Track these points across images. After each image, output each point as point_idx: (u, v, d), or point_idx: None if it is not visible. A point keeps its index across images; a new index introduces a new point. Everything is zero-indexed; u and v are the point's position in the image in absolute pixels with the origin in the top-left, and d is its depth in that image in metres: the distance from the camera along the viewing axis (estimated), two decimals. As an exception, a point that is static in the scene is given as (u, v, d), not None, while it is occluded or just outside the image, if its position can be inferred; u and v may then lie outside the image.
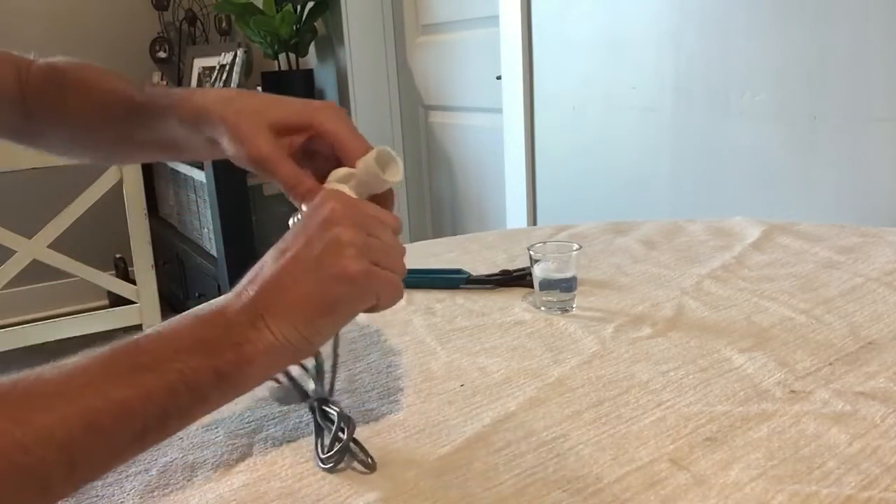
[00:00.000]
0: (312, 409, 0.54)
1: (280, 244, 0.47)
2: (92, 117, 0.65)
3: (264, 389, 0.58)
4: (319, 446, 0.50)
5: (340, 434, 0.49)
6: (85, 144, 0.68)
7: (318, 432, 0.51)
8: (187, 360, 0.41)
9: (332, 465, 0.48)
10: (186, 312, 0.44)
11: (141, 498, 0.45)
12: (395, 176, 0.51)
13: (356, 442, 0.49)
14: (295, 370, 0.56)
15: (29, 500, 0.36)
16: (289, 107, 0.55)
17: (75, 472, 0.37)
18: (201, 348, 0.42)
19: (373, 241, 0.47)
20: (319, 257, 0.45)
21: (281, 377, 0.56)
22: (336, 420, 0.50)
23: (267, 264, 0.46)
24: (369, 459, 0.48)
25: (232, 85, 2.59)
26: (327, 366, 0.56)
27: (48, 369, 0.39)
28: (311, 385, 0.56)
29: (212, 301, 0.46)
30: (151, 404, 0.39)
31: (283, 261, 0.45)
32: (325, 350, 0.55)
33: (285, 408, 0.56)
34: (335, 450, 0.48)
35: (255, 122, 0.54)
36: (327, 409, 0.53)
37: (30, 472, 0.35)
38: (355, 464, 0.48)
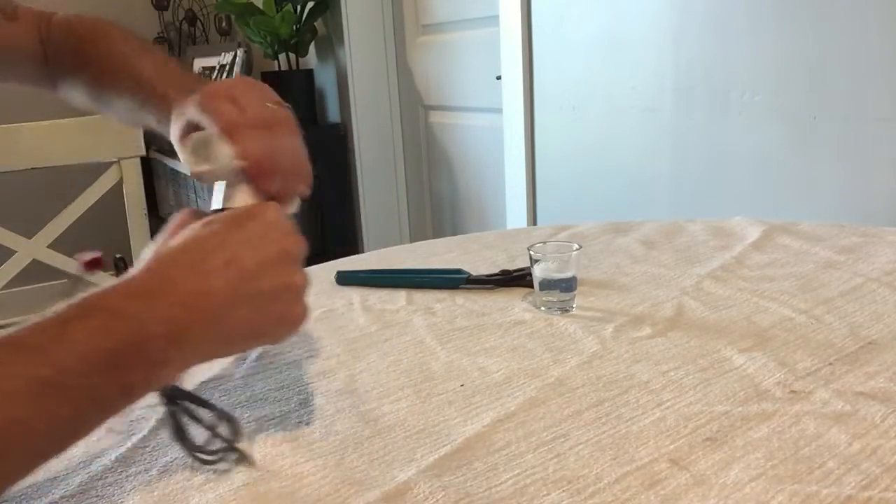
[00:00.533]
0: (164, 397, 0.49)
1: (212, 237, 0.45)
2: (104, 80, 0.65)
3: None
4: (189, 442, 0.48)
5: (218, 430, 0.48)
6: (100, 100, 0.68)
7: (180, 432, 0.48)
8: (95, 376, 0.38)
9: (216, 459, 0.47)
10: (84, 299, 0.40)
11: (141, 497, 0.45)
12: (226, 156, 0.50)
13: (233, 443, 0.48)
14: None
15: None
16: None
17: None
18: (112, 364, 0.38)
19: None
20: (272, 293, 0.45)
21: None
22: (215, 411, 0.48)
23: (195, 263, 0.43)
24: (246, 457, 0.48)
25: (232, 85, 2.59)
26: None
27: None
28: None
29: (113, 286, 0.41)
30: (54, 424, 0.37)
31: (226, 276, 0.43)
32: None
33: (286, 407, 0.56)
34: (224, 447, 0.48)
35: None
36: (187, 399, 0.49)
37: None
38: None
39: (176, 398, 0.49)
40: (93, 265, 0.51)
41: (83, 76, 0.67)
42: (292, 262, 0.47)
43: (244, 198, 0.50)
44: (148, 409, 0.56)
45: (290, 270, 0.46)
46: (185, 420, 0.48)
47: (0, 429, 0.35)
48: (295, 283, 0.46)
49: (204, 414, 0.49)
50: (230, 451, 0.48)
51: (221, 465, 0.47)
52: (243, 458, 0.48)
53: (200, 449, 0.48)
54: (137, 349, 0.40)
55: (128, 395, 0.40)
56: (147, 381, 0.41)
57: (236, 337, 0.44)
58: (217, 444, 0.48)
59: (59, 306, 0.39)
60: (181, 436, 0.48)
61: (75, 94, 0.69)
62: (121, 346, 0.39)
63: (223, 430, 0.49)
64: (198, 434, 0.49)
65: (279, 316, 0.46)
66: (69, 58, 0.67)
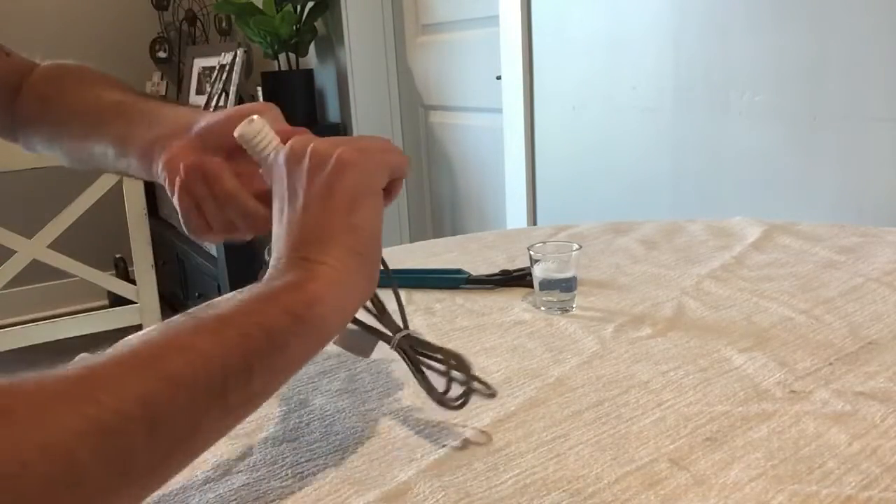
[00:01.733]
0: (401, 349, 0.51)
1: (276, 203, 0.47)
2: (82, 116, 0.65)
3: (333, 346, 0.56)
4: (429, 387, 0.49)
5: (455, 372, 0.49)
6: (67, 143, 0.67)
7: (419, 372, 0.50)
8: (255, 309, 0.39)
9: (460, 404, 0.48)
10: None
11: (141, 498, 0.45)
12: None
13: (476, 378, 0.49)
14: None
15: (112, 473, 0.32)
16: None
17: (156, 430, 0.33)
18: (265, 298, 0.40)
19: (356, 141, 0.47)
20: (323, 180, 0.45)
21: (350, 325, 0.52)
22: (444, 358, 0.49)
23: (281, 216, 0.45)
24: (489, 388, 0.49)
25: (232, 85, 2.59)
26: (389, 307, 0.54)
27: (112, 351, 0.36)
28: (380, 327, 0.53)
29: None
30: (229, 353, 0.37)
31: (294, 206, 0.45)
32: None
33: (285, 407, 0.56)
34: (462, 391, 0.48)
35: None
36: (416, 345, 0.51)
37: (109, 431, 0.31)
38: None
39: (414, 349, 0.51)
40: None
41: (48, 126, 0.66)
42: (314, 150, 0.46)
43: None
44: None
45: (315, 152, 0.46)
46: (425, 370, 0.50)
47: (172, 359, 0.35)
48: (318, 150, 0.46)
49: (434, 359, 0.50)
50: (470, 391, 0.49)
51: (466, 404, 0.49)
52: (486, 392, 0.49)
53: (444, 396, 0.49)
54: (274, 283, 0.42)
55: (298, 324, 0.40)
56: (304, 300, 0.41)
57: (341, 215, 0.44)
58: (456, 388, 0.49)
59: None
60: (429, 387, 0.49)
61: (36, 142, 0.69)
62: (260, 289, 0.41)
63: (456, 372, 0.49)
64: (437, 381, 0.50)
65: (337, 169, 0.45)
66: (37, 106, 0.67)
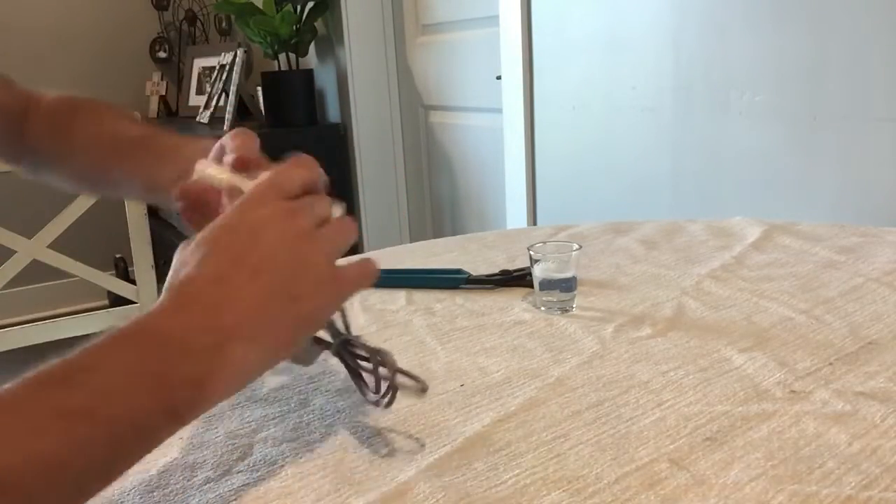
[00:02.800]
0: (338, 354, 0.52)
1: (225, 245, 0.42)
2: (99, 146, 0.66)
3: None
4: (365, 387, 0.50)
5: (383, 369, 0.49)
6: (89, 174, 0.69)
7: (355, 374, 0.50)
8: (135, 398, 0.35)
9: (388, 402, 0.49)
10: (111, 332, 0.37)
11: (141, 498, 0.45)
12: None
13: (402, 371, 0.50)
14: None
15: None
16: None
17: None
18: (152, 387, 0.36)
19: (323, 231, 0.44)
20: (288, 275, 0.41)
21: None
22: (370, 356, 0.49)
23: (223, 271, 0.40)
24: (418, 382, 0.49)
25: (232, 85, 2.59)
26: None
27: None
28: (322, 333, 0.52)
29: (143, 316, 0.39)
30: (91, 457, 0.34)
31: (254, 277, 0.40)
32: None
33: (285, 407, 0.56)
34: (387, 388, 0.49)
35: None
36: (353, 349, 0.52)
37: None
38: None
39: (347, 348, 0.51)
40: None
41: (73, 160, 0.68)
42: (306, 236, 0.43)
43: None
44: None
45: (297, 246, 0.42)
46: (352, 362, 0.50)
47: (30, 467, 0.32)
48: (309, 257, 0.42)
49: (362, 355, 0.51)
50: (394, 388, 0.49)
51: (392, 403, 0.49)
52: (416, 387, 0.49)
53: (377, 396, 0.49)
54: (176, 363, 0.37)
55: (174, 421, 0.37)
56: (194, 400, 0.38)
57: (280, 328, 0.41)
58: (383, 386, 0.49)
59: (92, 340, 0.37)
60: (362, 390, 0.50)
61: (44, 169, 0.71)
62: (159, 364, 0.36)
63: (383, 369, 0.49)
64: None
65: (308, 282, 0.42)
66: (49, 135, 0.68)
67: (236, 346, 0.38)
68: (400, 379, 0.49)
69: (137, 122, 0.68)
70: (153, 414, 0.36)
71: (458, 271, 0.83)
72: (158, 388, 0.36)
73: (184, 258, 0.42)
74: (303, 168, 0.47)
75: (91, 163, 0.67)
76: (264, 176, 0.47)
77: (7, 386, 0.34)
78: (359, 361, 0.51)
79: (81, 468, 0.34)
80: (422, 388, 0.50)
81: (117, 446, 0.35)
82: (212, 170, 0.53)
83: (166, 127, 0.67)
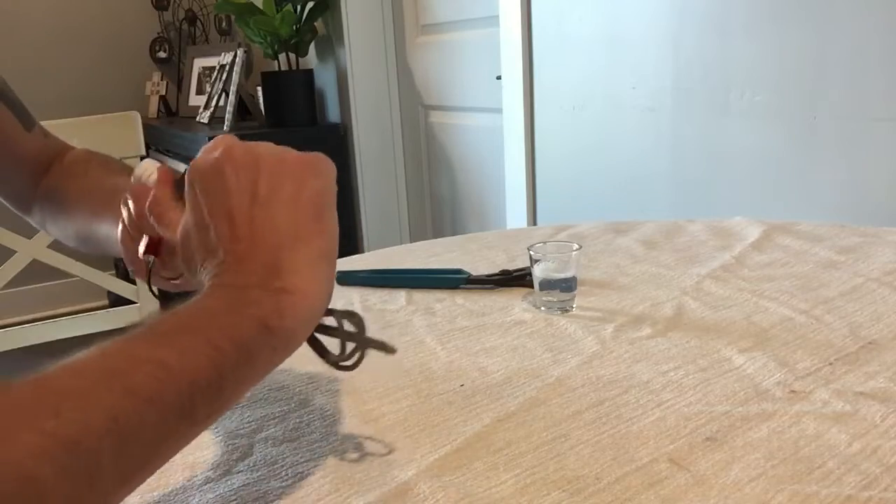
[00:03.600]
0: None
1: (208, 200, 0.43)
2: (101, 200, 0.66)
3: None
4: (322, 351, 0.47)
5: (349, 328, 0.47)
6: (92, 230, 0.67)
7: (312, 338, 0.47)
8: (227, 322, 0.38)
9: (354, 364, 0.46)
10: (185, 303, 0.39)
11: (141, 498, 0.45)
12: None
13: (370, 339, 0.47)
14: None
15: (77, 487, 0.30)
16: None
17: (124, 444, 0.32)
18: (238, 307, 0.38)
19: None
20: (282, 185, 0.43)
21: None
22: (336, 317, 0.47)
23: (235, 219, 0.42)
24: (386, 348, 0.47)
25: (232, 85, 2.59)
26: None
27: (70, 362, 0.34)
28: None
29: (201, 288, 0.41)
30: (196, 362, 0.35)
31: (240, 213, 0.42)
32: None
33: (285, 407, 0.56)
34: (354, 349, 0.46)
35: None
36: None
37: (73, 445, 0.30)
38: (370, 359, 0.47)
39: None
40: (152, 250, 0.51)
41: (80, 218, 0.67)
42: (269, 161, 0.44)
43: None
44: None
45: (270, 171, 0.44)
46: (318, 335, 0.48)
47: (147, 373, 0.34)
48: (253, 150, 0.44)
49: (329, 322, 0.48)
50: (362, 347, 0.47)
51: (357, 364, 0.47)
52: (381, 348, 0.48)
53: (340, 359, 0.47)
54: (249, 292, 0.40)
55: (268, 335, 0.39)
56: (278, 311, 0.39)
57: (305, 222, 0.43)
58: (349, 348, 0.47)
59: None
60: (323, 353, 0.47)
61: (47, 219, 0.70)
62: (233, 295, 0.40)
63: (349, 330, 0.47)
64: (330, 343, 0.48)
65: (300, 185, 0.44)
66: (59, 186, 0.68)
67: (295, 267, 0.41)
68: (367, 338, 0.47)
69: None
70: (245, 325, 0.38)
71: (458, 271, 0.83)
72: (238, 304, 0.39)
73: (222, 191, 0.43)
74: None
75: (86, 215, 0.66)
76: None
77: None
78: (322, 323, 0.48)
79: (191, 377, 0.35)
80: (390, 351, 0.48)
81: (220, 357, 0.36)
82: (152, 168, 0.53)
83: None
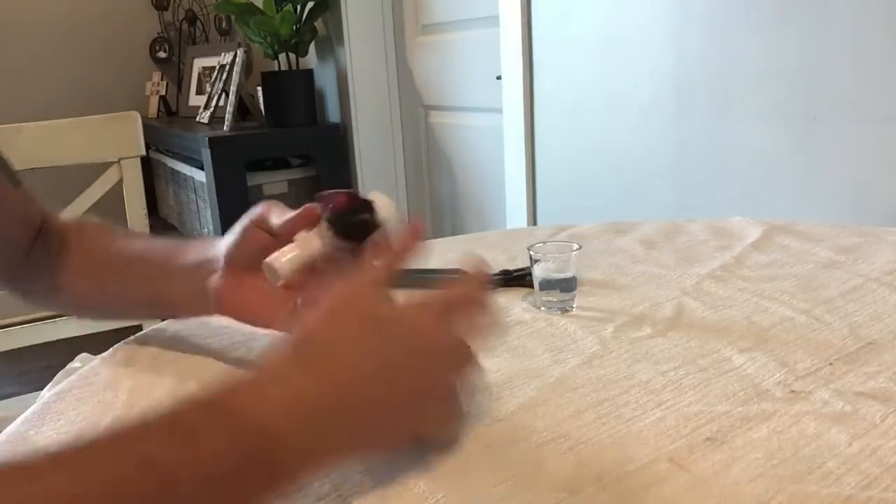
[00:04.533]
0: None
1: (351, 325, 0.43)
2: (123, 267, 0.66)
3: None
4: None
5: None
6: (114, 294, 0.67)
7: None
8: (215, 487, 0.34)
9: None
10: (205, 397, 0.36)
11: (141, 498, 0.45)
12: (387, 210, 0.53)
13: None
14: None
15: None
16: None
17: None
18: (240, 477, 0.35)
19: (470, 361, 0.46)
20: (415, 392, 0.42)
21: None
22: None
23: (342, 368, 0.40)
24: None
25: (232, 85, 2.59)
26: None
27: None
28: None
29: (244, 382, 0.38)
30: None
31: (364, 372, 0.40)
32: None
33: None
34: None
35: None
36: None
37: None
38: None
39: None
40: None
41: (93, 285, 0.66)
42: (442, 355, 0.44)
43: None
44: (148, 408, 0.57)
45: (437, 366, 0.44)
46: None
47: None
48: (444, 383, 0.43)
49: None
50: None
51: None
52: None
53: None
54: (270, 460, 0.36)
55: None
56: (276, 494, 0.37)
57: (377, 438, 0.42)
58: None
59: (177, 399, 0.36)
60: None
61: (57, 304, 0.69)
62: (247, 456, 0.35)
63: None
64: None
65: (423, 414, 0.43)
66: (54, 265, 0.66)
67: (329, 455, 0.40)
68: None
69: (141, 236, 0.67)
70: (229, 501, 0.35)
71: (458, 271, 0.82)
72: (245, 482, 0.35)
73: (339, 333, 0.43)
74: (470, 291, 0.49)
75: (92, 285, 0.65)
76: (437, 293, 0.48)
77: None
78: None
79: None
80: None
81: None
82: (284, 260, 0.54)
83: (182, 243, 0.65)
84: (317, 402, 0.38)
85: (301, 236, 0.55)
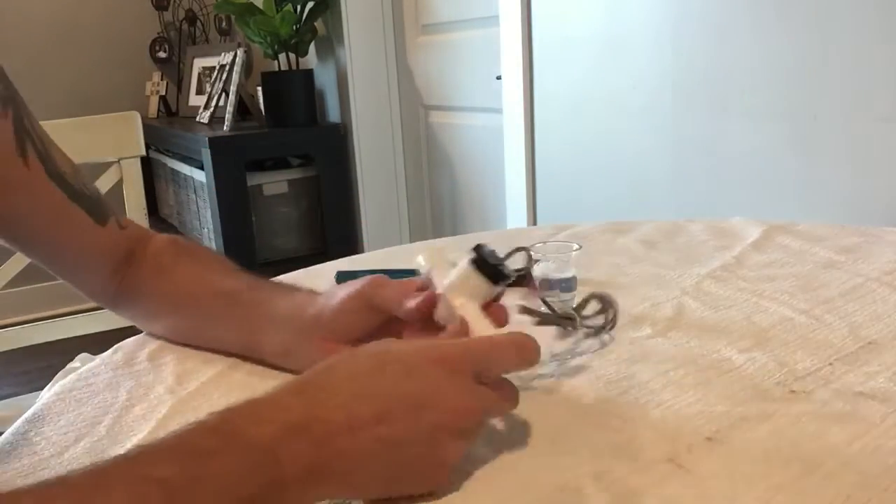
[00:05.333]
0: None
1: (376, 379, 0.42)
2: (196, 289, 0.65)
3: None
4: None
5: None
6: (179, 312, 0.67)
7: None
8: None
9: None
10: (221, 422, 0.39)
11: (141, 498, 0.45)
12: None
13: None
14: None
15: None
16: (345, 307, 0.57)
17: None
18: (247, 489, 0.36)
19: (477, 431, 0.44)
20: (414, 460, 0.41)
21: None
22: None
23: (348, 405, 0.40)
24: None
25: (232, 85, 2.59)
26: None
27: None
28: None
29: (253, 414, 0.40)
30: None
31: (375, 434, 0.40)
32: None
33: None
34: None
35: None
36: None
37: None
38: None
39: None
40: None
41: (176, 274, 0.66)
42: (450, 434, 0.42)
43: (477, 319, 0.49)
44: (148, 408, 0.57)
45: (443, 442, 0.42)
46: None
47: None
48: (442, 456, 0.42)
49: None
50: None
51: None
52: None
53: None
54: (276, 492, 0.37)
55: None
56: None
57: (367, 485, 0.41)
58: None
59: (192, 426, 0.37)
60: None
61: (139, 314, 0.69)
62: (260, 490, 0.37)
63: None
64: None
65: (415, 475, 0.42)
66: (151, 280, 0.66)
67: (326, 490, 0.39)
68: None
69: (233, 269, 0.66)
70: None
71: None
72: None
73: (346, 368, 0.43)
74: (519, 354, 0.45)
75: (184, 314, 0.65)
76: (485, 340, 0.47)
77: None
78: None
79: None
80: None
81: None
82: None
83: (256, 280, 0.65)
84: (304, 423, 0.39)
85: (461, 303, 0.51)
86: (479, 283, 0.51)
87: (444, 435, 0.41)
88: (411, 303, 0.53)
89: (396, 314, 0.55)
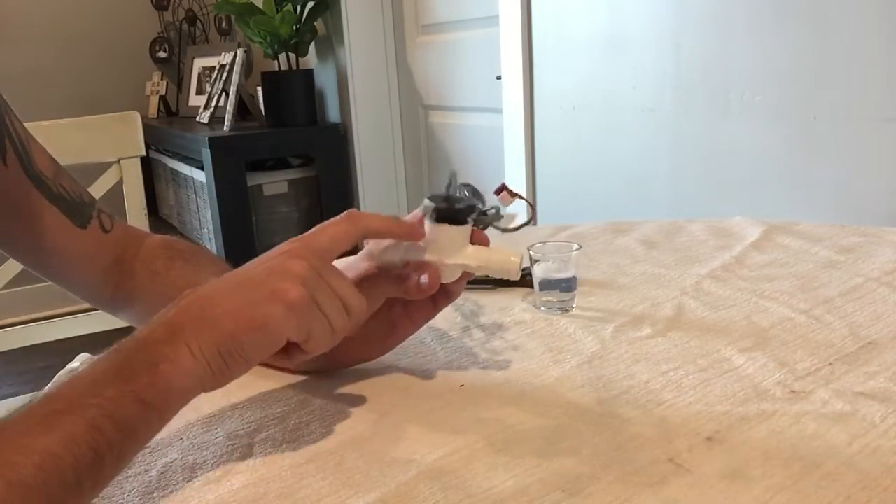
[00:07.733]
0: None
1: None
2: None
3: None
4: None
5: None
6: None
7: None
8: (104, 391, 0.40)
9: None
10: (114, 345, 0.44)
11: (141, 499, 0.45)
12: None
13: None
14: None
15: None
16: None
17: None
18: (117, 376, 0.41)
19: (321, 282, 0.47)
20: (260, 278, 0.46)
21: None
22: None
23: (210, 292, 0.46)
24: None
25: (232, 85, 2.59)
26: None
27: None
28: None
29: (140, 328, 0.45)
30: (77, 446, 0.37)
31: (218, 281, 0.46)
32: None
33: (286, 407, 0.56)
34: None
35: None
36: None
37: None
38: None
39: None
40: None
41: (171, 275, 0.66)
42: (290, 255, 0.47)
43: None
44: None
45: (283, 259, 0.47)
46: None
47: (17, 462, 0.36)
48: (286, 266, 0.46)
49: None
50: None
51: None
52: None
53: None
54: (135, 355, 0.42)
55: (145, 409, 0.41)
56: (154, 384, 0.41)
57: (233, 325, 0.44)
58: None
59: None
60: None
61: (135, 315, 0.70)
62: (121, 359, 0.42)
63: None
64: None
65: (270, 293, 0.45)
66: (147, 281, 0.67)
67: (187, 336, 0.43)
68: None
69: (228, 269, 0.66)
70: (121, 401, 0.40)
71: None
72: (122, 378, 0.41)
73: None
74: (341, 225, 0.50)
75: None
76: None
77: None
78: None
79: (73, 460, 0.37)
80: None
81: (99, 436, 0.38)
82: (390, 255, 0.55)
83: None
84: (172, 317, 0.45)
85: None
86: (453, 234, 0.54)
87: (276, 274, 0.46)
88: (415, 280, 0.54)
89: (405, 296, 0.55)
